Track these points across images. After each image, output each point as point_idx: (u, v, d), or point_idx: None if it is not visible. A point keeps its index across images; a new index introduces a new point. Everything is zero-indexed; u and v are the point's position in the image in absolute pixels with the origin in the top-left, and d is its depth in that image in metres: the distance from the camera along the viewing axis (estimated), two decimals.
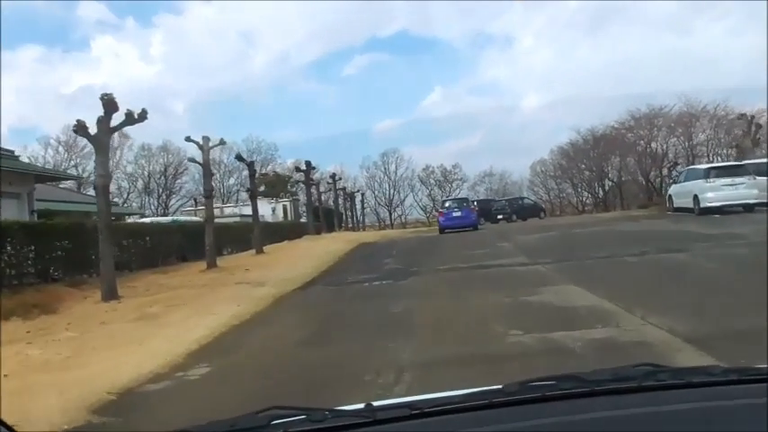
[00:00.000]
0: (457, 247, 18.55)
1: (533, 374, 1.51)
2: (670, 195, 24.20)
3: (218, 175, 56.73)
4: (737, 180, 20.76)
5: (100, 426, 4.78)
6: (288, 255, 20.50)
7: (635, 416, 1.27)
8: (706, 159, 57.11)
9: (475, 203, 30.02)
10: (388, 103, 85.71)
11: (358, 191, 52.57)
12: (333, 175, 39.40)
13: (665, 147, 56.91)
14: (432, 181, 65.79)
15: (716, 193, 20.80)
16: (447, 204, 29.58)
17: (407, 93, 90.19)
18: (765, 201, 20.41)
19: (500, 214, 35.57)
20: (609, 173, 59.67)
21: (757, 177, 20.80)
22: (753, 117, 24.51)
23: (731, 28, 68.30)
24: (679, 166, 53.90)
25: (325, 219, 36.38)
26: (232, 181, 61.45)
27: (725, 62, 65.61)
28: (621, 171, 59.30)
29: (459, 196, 42.49)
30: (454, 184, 64.99)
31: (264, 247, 24.33)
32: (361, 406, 1.40)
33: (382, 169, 65.16)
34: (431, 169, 64.96)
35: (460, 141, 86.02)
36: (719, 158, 56.54)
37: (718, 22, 68.18)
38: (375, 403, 1.40)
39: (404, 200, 66.97)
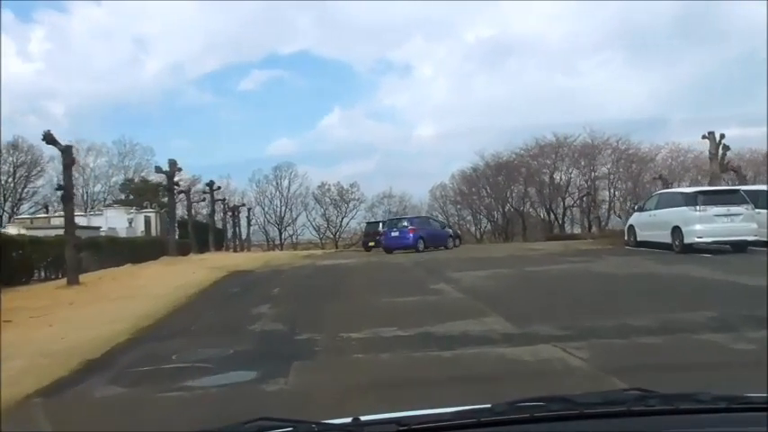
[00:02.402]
0: (373, 288, 11.88)
1: None
2: (631, 226, 18.68)
3: (81, 180, 47.28)
4: (733, 210, 15.43)
5: None
6: (112, 289, 12.98)
7: None
8: (607, 192, 54.93)
9: (412, 223, 27.00)
10: (286, 121, 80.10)
11: (243, 205, 44.66)
12: (210, 183, 31.62)
13: (568, 177, 53.91)
14: (327, 199, 58.94)
15: (707, 225, 15.36)
16: (388, 225, 28.34)
17: (306, 111, 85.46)
18: (764, 239, 15.23)
19: None
20: (511, 201, 55.67)
21: (755, 208, 15.60)
22: (722, 136, 19.80)
23: (616, 71, 67.74)
24: (590, 196, 51.10)
25: (198, 236, 28.86)
26: (98, 188, 51.85)
27: (614, 101, 64.81)
28: (524, 199, 55.53)
29: (401, 216, 38.22)
30: (351, 204, 58.54)
31: (97, 273, 16.83)
32: (349, 420, 1.34)
33: (274, 184, 57.59)
34: (327, 187, 58.17)
35: (358, 163, 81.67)
36: (619, 192, 54.81)
37: (604, 66, 67.69)
38: (363, 418, 1.35)
39: (296, 218, 59.60)
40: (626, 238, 19.06)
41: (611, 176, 53.67)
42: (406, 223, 26.79)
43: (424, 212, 59.05)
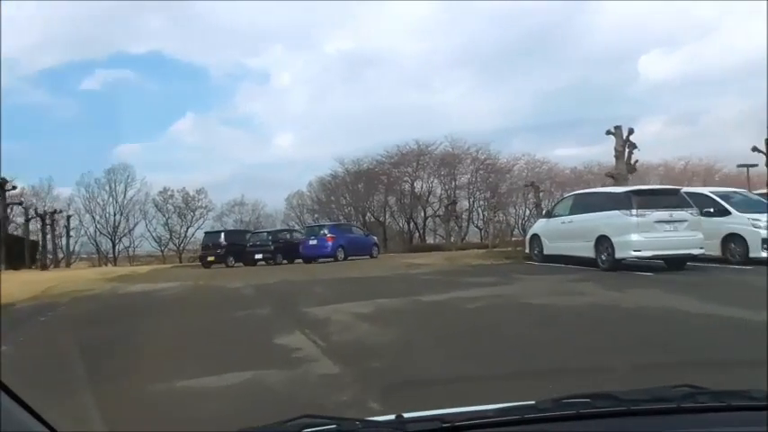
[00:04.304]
0: (168, 351, 6.45)
1: None
2: (536, 236, 14.61)
3: None
4: (677, 215, 11.72)
5: None
6: None
7: None
8: (467, 202, 52.68)
9: (331, 231, 24.02)
10: (133, 125, 70.59)
11: (59, 211, 36.23)
12: (1, 181, 23.86)
13: (429, 186, 51.02)
14: (170, 207, 51.25)
15: (646, 235, 11.52)
16: (306, 232, 25.84)
17: (156, 115, 75.99)
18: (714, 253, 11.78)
19: (260, 252, 23.51)
20: (372, 210, 51.79)
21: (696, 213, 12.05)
22: (630, 131, 16.45)
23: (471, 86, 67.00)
24: (452, 206, 48.12)
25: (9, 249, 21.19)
26: None
27: (470, 115, 63.89)
28: (385, 208, 51.85)
29: (321, 223, 33.37)
30: (198, 213, 51.29)
31: None
32: (392, 417, 1.28)
33: (107, 189, 48.92)
34: (170, 193, 50.52)
35: (212, 171, 74.38)
36: (482, 203, 52.86)
37: (459, 81, 66.76)
38: (406, 415, 1.28)
39: (133, 228, 51.19)
40: (528, 250, 15.00)
41: (471, 186, 51.60)
42: (325, 231, 23.95)
43: (279, 222, 53.66)
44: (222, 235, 25.32)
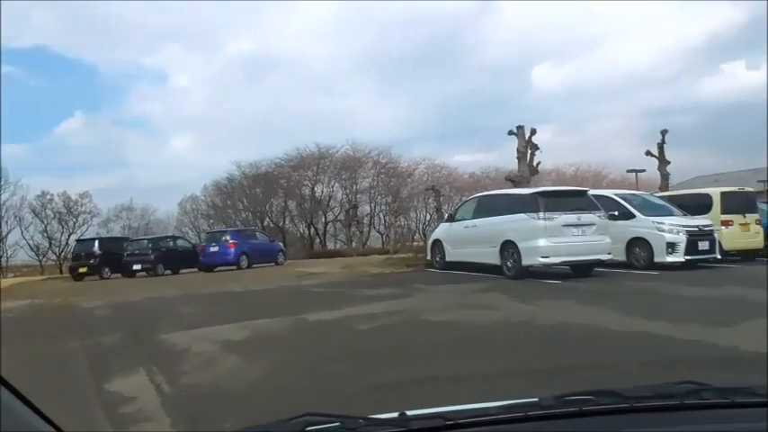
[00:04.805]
0: None
1: None
2: (437, 242, 13.51)
3: None
4: (585, 218, 10.95)
5: None
6: None
7: None
8: (369, 206, 51.67)
9: (234, 237, 22.24)
10: (12, 124, 64.20)
11: None
12: None
13: (330, 190, 49.56)
14: (49, 212, 46.66)
15: (554, 240, 10.67)
16: (206, 239, 24.44)
17: (40, 115, 69.71)
18: (606, 257, 11.16)
19: (138, 263, 21.05)
20: (270, 215, 49.72)
21: (602, 215, 11.37)
22: (533, 131, 15.65)
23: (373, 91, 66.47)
24: (353, 210, 46.82)
25: None
26: None
27: (372, 120, 63.49)
28: (284, 213, 49.85)
29: (223, 228, 31.11)
30: (81, 219, 46.95)
31: None
32: (395, 415, 1.24)
33: None
34: (49, 197, 46.00)
35: (104, 174, 69.36)
36: (383, 208, 52.03)
37: (362, 86, 66.22)
38: (409, 412, 1.24)
39: (6, 236, 46.09)
40: (429, 257, 13.89)
41: (372, 191, 50.68)
42: (227, 237, 22.19)
43: (171, 228, 50.35)
44: (96, 243, 22.43)
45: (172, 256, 21.73)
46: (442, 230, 13.62)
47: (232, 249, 21.23)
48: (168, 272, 21.29)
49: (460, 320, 7.24)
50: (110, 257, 21.54)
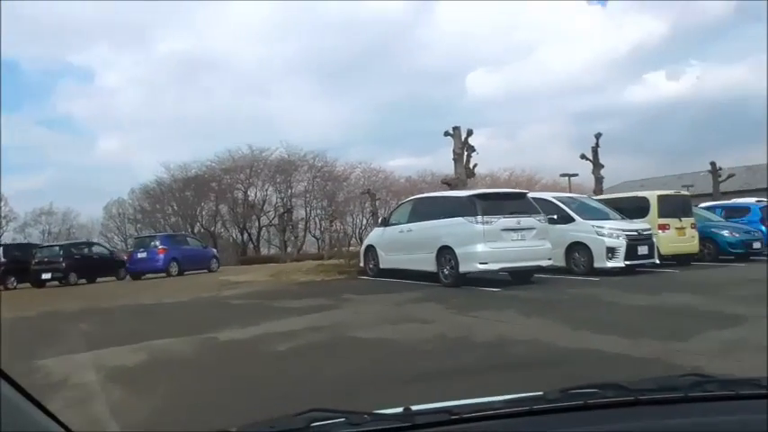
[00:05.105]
0: None
1: None
2: (371, 248, 12.67)
3: None
4: (524, 222, 10.36)
5: None
6: None
7: (681, 427, 1.12)
8: (304, 211, 50.36)
9: (163, 243, 21.12)
10: None
11: None
12: None
13: (264, 194, 48.06)
14: None
15: (493, 245, 10.02)
16: (134, 244, 22.74)
17: None
18: (546, 263, 10.64)
19: (48, 271, 19.25)
20: (201, 219, 47.80)
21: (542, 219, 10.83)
22: (469, 133, 15.01)
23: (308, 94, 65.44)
24: (288, 214, 45.47)
25: None
26: None
27: (307, 123, 62.45)
28: (216, 218, 47.99)
29: (151, 233, 30.24)
30: None
31: None
32: (400, 410, 1.23)
33: None
34: None
35: (21, 175, 65.39)
36: (319, 212, 50.82)
37: (297, 89, 65.15)
38: (414, 407, 1.24)
39: None
40: (362, 264, 13.05)
41: (308, 195, 49.48)
42: (156, 242, 21.02)
43: (96, 233, 47.70)
44: (0, 250, 20.57)
45: (87, 264, 20.03)
46: (375, 235, 12.79)
47: (161, 255, 20.01)
48: (83, 281, 19.61)
49: (390, 338, 6.43)
50: (16, 266, 19.67)
